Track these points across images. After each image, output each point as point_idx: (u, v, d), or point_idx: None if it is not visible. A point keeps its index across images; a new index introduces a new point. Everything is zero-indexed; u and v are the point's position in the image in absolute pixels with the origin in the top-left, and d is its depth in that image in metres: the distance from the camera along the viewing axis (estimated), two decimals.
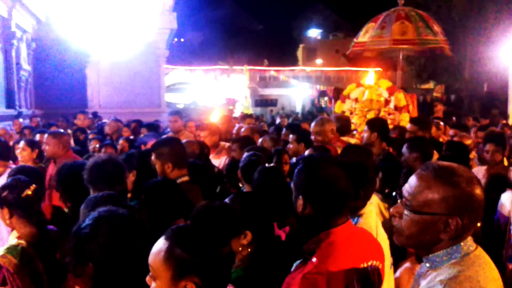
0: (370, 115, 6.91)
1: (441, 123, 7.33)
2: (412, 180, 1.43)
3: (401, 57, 8.11)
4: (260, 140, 4.73)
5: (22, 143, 4.84)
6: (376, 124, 4.55)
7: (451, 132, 6.00)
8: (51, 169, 4.30)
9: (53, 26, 13.05)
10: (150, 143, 5.59)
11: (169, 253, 1.36)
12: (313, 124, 4.48)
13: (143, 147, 4.80)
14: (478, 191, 1.37)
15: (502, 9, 19.06)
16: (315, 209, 1.78)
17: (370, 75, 7.39)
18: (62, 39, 12.93)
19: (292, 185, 1.88)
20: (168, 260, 1.36)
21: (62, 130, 4.95)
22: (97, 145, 5.46)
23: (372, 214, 2.38)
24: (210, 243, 1.40)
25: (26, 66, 12.33)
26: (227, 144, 5.54)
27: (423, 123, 4.85)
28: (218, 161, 4.96)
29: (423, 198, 1.38)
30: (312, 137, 4.39)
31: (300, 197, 1.79)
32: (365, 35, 7.71)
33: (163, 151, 3.17)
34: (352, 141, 5.07)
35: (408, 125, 4.99)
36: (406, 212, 1.42)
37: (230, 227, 1.93)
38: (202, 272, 1.36)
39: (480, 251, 1.42)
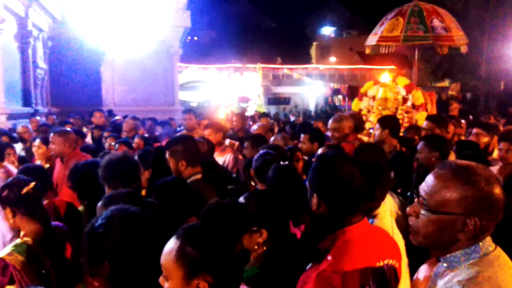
0: (386, 113, 6.82)
1: (463, 121, 7.22)
2: (430, 179, 1.41)
3: (416, 54, 7.99)
4: (272, 138, 4.74)
5: (37, 141, 4.89)
6: (387, 121, 4.57)
7: (474, 130, 5.87)
8: (59, 167, 4.32)
9: (68, 24, 13.18)
10: (165, 140, 5.65)
11: (180, 252, 1.36)
12: (330, 120, 4.53)
13: (156, 145, 4.85)
14: (497, 190, 1.33)
15: None
16: (329, 207, 1.76)
17: (386, 73, 7.31)
18: (77, 37, 13.07)
19: (307, 183, 1.86)
20: (180, 259, 1.36)
21: (69, 129, 4.91)
22: (113, 143, 5.50)
23: (387, 215, 2.36)
24: (221, 241, 1.40)
25: (42, 64, 12.48)
26: (233, 142, 5.55)
27: (440, 121, 4.77)
28: (222, 158, 4.97)
29: (440, 197, 1.36)
30: (329, 134, 4.41)
31: (315, 195, 1.78)
32: (389, 27, 7.62)
33: (177, 149, 3.18)
34: (365, 139, 5.06)
35: (424, 123, 4.91)
36: (423, 211, 1.40)
37: (241, 225, 1.92)
38: (214, 270, 1.36)
39: (500, 252, 1.39)
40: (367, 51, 7.85)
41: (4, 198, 2.44)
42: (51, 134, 4.42)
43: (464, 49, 7.42)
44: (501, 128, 6.94)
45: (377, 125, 4.51)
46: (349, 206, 1.78)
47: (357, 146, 3.73)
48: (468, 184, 1.33)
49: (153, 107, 12.92)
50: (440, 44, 7.22)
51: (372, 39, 7.57)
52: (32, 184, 2.47)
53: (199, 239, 1.38)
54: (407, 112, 6.69)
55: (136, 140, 5.50)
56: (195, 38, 36.83)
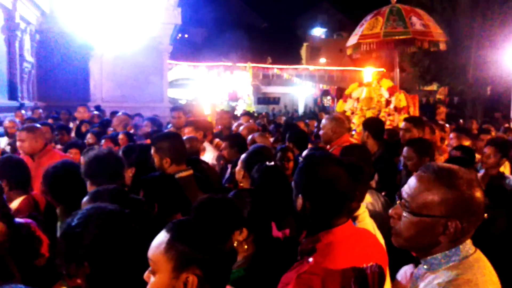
0: (369, 115, 6.81)
1: (447, 125, 7.25)
2: (412, 181, 1.42)
3: (397, 56, 8.11)
4: (249, 137, 4.67)
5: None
6: (369, 123, 4.57)
7: (451, 135, 5.90)
8: (29, 164, 4.17)
9: (57, 18, 13.04)
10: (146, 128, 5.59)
11: (170, 245, 1.35)
12: (324, 120, 4.50)
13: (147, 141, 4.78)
14: (478, 194, 1.34)
15: (507, 13, 18.99)
16: (314, 208, 1.75)
17: (369, 72, 7.28)
18: (66, 31, 12.93)
19: (292, 183, 1.85)
20: (169, 252, 1.35)
21: (38, 125, 4.67)
22: (91, 140, 5.50)
23: (367, 216, 2.36)
24: (212, 236, 1.39)
25: (29, 58, 12.32)
26: (220, 142, 5.48)
27: (417, 122, 4.76)
28: (202, 158, 4.91)
29: (422, 200, 1.36)
30: (320, 133, 4.42)
31: (300, 195, 1.77)
32: (369, 26, 7.64)
33: (163, 145, 3.15)
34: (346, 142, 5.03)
35: (402, 123, 4.89)
36: (405, 213, 1.40)
37: (232, 221, 1.91)
38: (203, 265, 1.35)
39: (479, 255, 1.40)
40: (348, 51, 7.85)
41: None
42: (18, 131, 4.18)
43: (443, 46, 7.38)
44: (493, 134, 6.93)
45: (362, 127, 4.54)
46: (334, 207, 1.77)
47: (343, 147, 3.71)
48: (449, 187, 1.34)
49: (141, 104, 12.84)
50: (420, 39, 7.24)
51: (352, 39, 7.60)
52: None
53: (190, 233, 1.37)
54: (389, 115, 6.64)
55: (121, 136, 5.44)
56: (186, 35, 36.68)
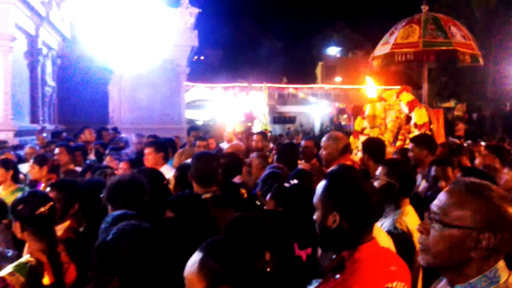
0: (374, 133, 6.44)
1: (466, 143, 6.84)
2: (442, 195, 1.38)
3: (426, 71, 7.46)
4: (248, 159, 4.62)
5: (31, 161, 4.87)
6: (367, 145, 4.35)
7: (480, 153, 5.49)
8: None
9: (78, 43, 13.38)
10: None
11: (202, 264, 1.38)
12: (323, 140, 4.28)
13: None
14: (511, 209, 1.30)
15: None
16: (351, 224, 1.73)
17: (370, 87, 6.81)
18: (86, 55, 13.23)
19: (316, 201, 1.81)
20: (202, 270, 1.37)
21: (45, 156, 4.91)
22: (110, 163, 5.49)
23: (382, 233, 2.32)
24: (243, 254, 1.40)
25: (50, 82, 12.62)
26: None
27: (419, 140, 4.49)
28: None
29: (454, 212, 1.32)
30: (323, 153, 4.24)
31: (335, 212, 1.73)
32: (379, 44, 7.23)
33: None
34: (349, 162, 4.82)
35: (409, 145, 4.57)
36: (434, 225, 1.35)
37: (264, 239, 1.89)
38: (235, 283, 1.37)
39: None
40: (376, 63, 7.22)
41: (17, 212, 2.41)
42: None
43: (481, 61, 6.87)
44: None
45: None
46: (368, 224, 1.76)
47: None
48: (482, 198, 1.30)
49: (159, 125, 12.98)
50: (462, 51, 6.66)
51: (383, 49, 7.03)
52: (49, 204, 2.44)
53: (222, 252, 1.40)
54: (409, 132, 6.17)
55: (121, 165, 5.39)
56: (202, 57, 37.22)
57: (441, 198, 1.38)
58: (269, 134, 14.96)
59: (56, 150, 5.67)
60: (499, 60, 20.11)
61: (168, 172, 4.55)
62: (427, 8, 7.04)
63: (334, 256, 1.80)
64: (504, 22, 20.20)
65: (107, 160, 5.74)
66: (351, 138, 6.70)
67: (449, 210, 1.33)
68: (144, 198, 2.73)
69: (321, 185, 1.83)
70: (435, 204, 1.38)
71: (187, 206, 2.49)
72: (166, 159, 4.98)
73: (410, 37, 6.62)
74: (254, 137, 6.78)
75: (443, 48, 6.55)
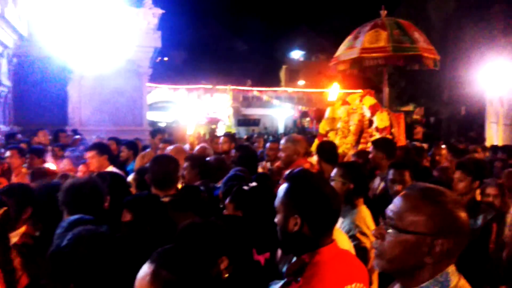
0: (331, 136, 6.53)
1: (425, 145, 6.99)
2: (398, 200, 1.39)
3: (385, 75, 7.56)
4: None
5: None
6: (321, 148, 4.42)
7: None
8: None
9: (35, 42, 12.94)
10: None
11: (155, 276, 1.31)
12: (281, 142, 4.33)
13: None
14: (463, 214, 1.33)
15: (480, 34, 19.62)
16: (312, 227, 1.72)
17: (333, 91, 6.83)
18: (44, 55, 12.82)
19: (278, 204, 1.80)
20: (154, 283, 1.30)
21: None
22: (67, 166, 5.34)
23: (341, 235, 2.37)
24: (197, 262, 1.36)
25: (6, 81, 12.15)
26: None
27: (378, 144, 4.58)
28: None
29: (409, 217, 1.34)
30: (281, 154, 4.28)
31: (296, 215, 1.72)
32: (341, 48, 7.18)
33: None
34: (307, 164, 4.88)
35: (370, 148, 4.65)
36: (390, 231, 1.36)
37: (218, 246, 1.86)
38: None
39: (464, 283, 1.37)
40: (342, 67, 7.14)
41: None
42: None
43: (438, 65, 6.92)
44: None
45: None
46: (329, 226, 1.76)
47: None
48: (435, 204, 1.32)
49: (120, 127, 12.72)
50: (426, 56, 6.74)
51: (349, 53, 6.93)
52: (2, 210, 2.36)
53: (174, 261, 1.34)
54: (371, 136, 6.18)
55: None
56: (165, 58, 36.79)
57: (396, 203, 1.39)
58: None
59: (7, 153, 5.45)
60: (454, 66, 20.85)
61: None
62: (385, 12, 7.11)
63: (294, 259, 1.80)
64: (459, 28, 20.95)
65: (65, 163, 5.58)
66: (316, 141, 6.78)
67: (404, 215, 1.35)
68: (102, 202, 2.65)
69: (282, 188, 1.81)
70: (391, 209, 1.39)
71: (145, 207, 2.44)
72: (111, 161, 4.84)
73: (378, 41, 6.63)
74: (221, 139, 6.73)
75: (411, 53, 6.65)
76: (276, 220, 1.80)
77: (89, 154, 4.74)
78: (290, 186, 1.79)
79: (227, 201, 2.69)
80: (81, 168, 5.01)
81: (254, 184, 2.72)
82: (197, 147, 6.05)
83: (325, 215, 1.74)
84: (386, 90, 7.49)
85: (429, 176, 4.48)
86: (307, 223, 1.72)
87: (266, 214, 2.55)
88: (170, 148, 4.97)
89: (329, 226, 1.77)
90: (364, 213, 2.99)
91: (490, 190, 3.76)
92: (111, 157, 4.97)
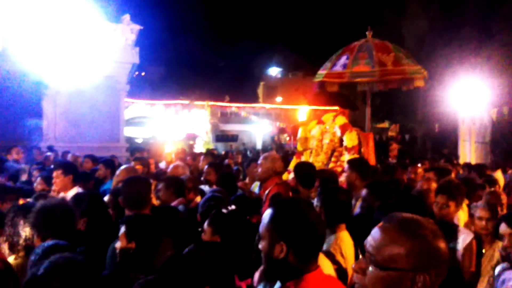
0: (306, 156, 6.60)
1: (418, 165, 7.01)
2: (376, 233, 1.36)
3: (369, 94, 7.74)
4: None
5: None
6: (297, 170, 4.44)
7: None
8: None
9: (10, 56, 12.69)
10: None
11: None
12: (260, 158, 4.38)
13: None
14: (443, 244, 1.32)
15: (452, 54, 20.21)
16: (298, 254, 1.70)
17: (302, 111, 6.97)
18: (18, 69, 12.57)
19: (263, 231, 1.77)
20: None
21: None
22: (39, 185, 5.20)
23: (325, 260, 2.38)
24: None
25: None
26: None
27: (352, 163, 4.59)
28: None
29: (388, 252, 1.31)
30: (256, 169, 4.32)
31: (282, 242, 1.70)
32: (337, 63, 7.23)
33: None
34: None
35: (345, 167, 4.67)
36: (370, 268, 1.33)
37: (201, 276, 1.83)
38: None
39: None
40: (331, 88, 7.39)
41: None
42: None
43: (420, 83, 7.10)
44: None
45: None
46: (314, 253, 1.75)
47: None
48: (415, 237, 1.30)
49: (97, 143, 12.55)
50: (386, 79, 6.94)
51: (319, 76, 7.29)
52: None
53: None
54: (341, 155, 6.27)
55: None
56: (143, 73, 36.61)
57: (375, 236, 1.36)
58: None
59: None
60: (428, 84, 21.32)
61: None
62: (371, 33, 7.36)
63: (278, 286, 1.78)
64: (432, 48, 21.54)
65: (38, 182, 5.45)
66: (294, 159, 6.83)
67: (383, 250, 1.32)
68: (72, 224, 2.58)
69: (267, 214, 1.79)
70: (370, 244, 1.37)
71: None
72: (76, 181, 4.76)
73: (395, 64, 6.87)
74: (202, 157, 6.70)
75: (367, 80, 6.92)
76: (260, 246, 1.77)
77: (54, 174, 4.67)
78: (275, 212, 1.77)
79: (205, 224, 2.66)
80: (54, 188, 4.90)
81: (233, 207, 2.70)
82: (170, 166, 6.00)
83: (311, 241, 1.72)
84: (368, 111, 7.78)
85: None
86: (293, 250, 1.69)
87: (245, 238, 2.55)
88: (121, 168, 4.84)
89: (315, 252, 1.76)
90: (344, 239, 2.96)
91: (483, 214, 3.65)
92: (77, 177, 4.88)
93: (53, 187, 4.84)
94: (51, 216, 2.49)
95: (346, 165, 4.76)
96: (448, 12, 21.45)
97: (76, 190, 4.57)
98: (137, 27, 14.62)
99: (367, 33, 7.41)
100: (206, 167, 5.59)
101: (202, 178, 5.61)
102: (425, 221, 1.36)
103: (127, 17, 14.43)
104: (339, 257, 2.84)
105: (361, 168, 4.59)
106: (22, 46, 12.64)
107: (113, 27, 14.34)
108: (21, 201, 3.81)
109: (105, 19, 14.22)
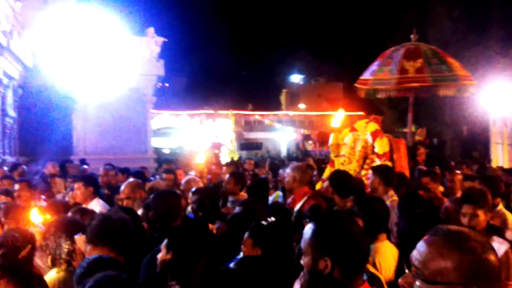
0: (338, 163, 6.25)
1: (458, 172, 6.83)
2: (422, 246, 1.33)
3: (411, 100, 7.63)
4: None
5: None
6: (333, 178, 4.37)
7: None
8: None
9: (40, 72, 13.06)
10: None
11: None
12: (287, 170, 4.42)
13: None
14: (493, 257, 1.27)
15: (480, 54, 19.80)
16: (343, 270, 1.67)
17: (337, 117, 6.94)
18: (48, 85, 12.92)
19: (305, 245, 1.74)
20: None
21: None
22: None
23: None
24: None
25: (11, 112, 12.22)
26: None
27: (376, 170, 4.55)
28: None
29: (435, 266, 1.27)
30: (284, 178, 4.35)
31: (326, 258, 1.66)
32: (368, 69, 7.23)
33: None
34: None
35: (369, 174, 4.61)
36: (417, 282, 1.30)
37: None
38: None
39: None
40: (362, 94, 7.24)
41: None
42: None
43: (449, 92, 7.07)
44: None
45: None
46: (360, 268, 1.71)
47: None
48: (463, 250, 1.26)
49: (125, 155, 12.76)
50: (404, 87, 6.89)
51: (386, 82, 6.99)
52: (28, 247, 2.32)
53: None
54: (372, 162, 6.08)
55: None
56: (166, 84, 37.11)
57: (421, 250, 1.33)
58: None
59: (16, 187, 5.43)
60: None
61: (97, 207, 4.43)
62: (417, 37, 7.29)
63: None
64: (458, 52, 21.17)
65: (70, 196, 5.53)
66: (328, 167, 6.75)
67: (430, 264, 1.29)
68: (129, 239, 2.61)
69: (309, 228, 1.76)
70: (416, 258, 1.33)
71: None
72: (96, 194, 4.81)
73: (418, 71, 6.73)
74: (224, 169, 6.73)
75: (450, 83, 6.83)
76: (302, 262, 1.74)
77: (75, 186, 4.76)
78: (317, 227, 1.74)
79: (245, 237, 2.66)
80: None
81: (272, 219, 2.68)
82: (182, 181, 6.00)
83: (356, 256, 1.69)
84: (410, 116, 7.98)
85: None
86: (338, 265, 1.66)
87: (285, 250, 2.54)
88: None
89: (360, 267, 1.72)
90: (381, 250, 2.92)
91: None
92: (97, 189, 4.95)
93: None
94: (112, 229, 2.52)
95: (370, 171, 4.67)
96: (472, 13, 21.08)
97: (96, 201, 4.66)
98: (161, 39, 14.85)
99: (411, 36, 7.30)
100: (227, 176, 5.62)
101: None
102: (473, 234, 1.32)
103: (151, 30, 14.67)
104: (369, 267, 2.80)
105: (384, 173, 4.54)
106: (51, 62, 12.99)
107: (138, 40, 14.61)
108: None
109: (131, 32, 14.52)
